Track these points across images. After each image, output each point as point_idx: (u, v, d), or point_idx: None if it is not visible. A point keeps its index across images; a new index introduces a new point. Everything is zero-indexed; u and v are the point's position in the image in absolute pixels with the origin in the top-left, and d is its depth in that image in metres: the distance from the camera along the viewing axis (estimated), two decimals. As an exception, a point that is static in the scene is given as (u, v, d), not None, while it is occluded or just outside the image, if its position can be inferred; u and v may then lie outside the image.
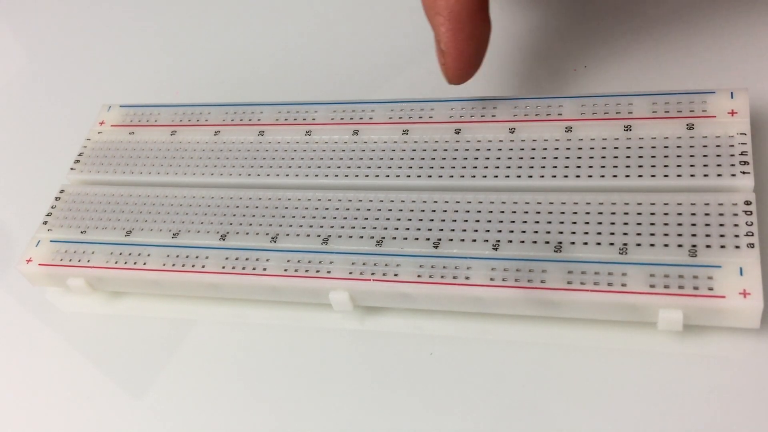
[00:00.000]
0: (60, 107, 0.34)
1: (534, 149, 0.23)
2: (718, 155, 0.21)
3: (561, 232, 0.21)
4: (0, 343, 0.27)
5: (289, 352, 0.24)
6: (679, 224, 0.20)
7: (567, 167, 0.22)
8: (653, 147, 0.22)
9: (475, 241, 0.22)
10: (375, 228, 0.23)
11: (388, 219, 0.23)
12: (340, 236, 0.23)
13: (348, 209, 0.24)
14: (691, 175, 0.21)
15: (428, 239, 0.22)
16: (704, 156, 0.21)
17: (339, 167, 0.25)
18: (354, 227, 0.23)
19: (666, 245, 0.20)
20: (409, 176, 0.24)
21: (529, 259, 0.21)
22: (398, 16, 0.32)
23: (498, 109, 0.24)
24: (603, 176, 0.22)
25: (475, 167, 0.23)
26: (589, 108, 0.23)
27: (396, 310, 0.23)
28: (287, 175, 0.25)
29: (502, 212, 0.22)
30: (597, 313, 0.21)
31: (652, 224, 0.21)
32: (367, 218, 0.23)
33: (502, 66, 0.28)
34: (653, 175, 0.22)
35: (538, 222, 0.22)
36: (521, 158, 0.23)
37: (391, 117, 0.25)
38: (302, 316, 0.24)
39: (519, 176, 0.23)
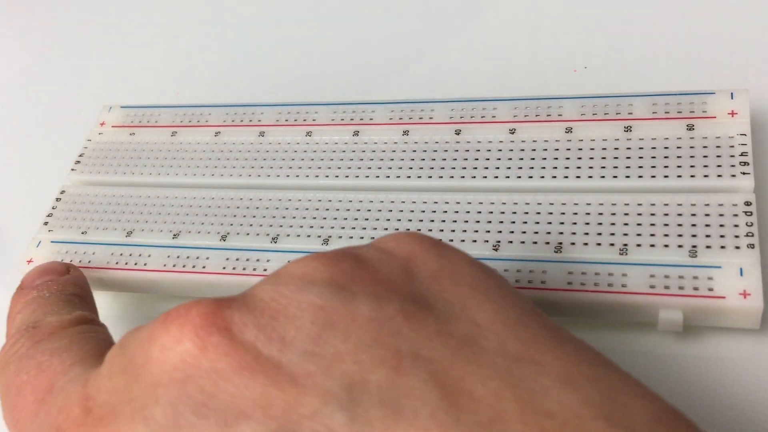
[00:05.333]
0: (61, 108, 0.34)
1: (534, 150, 0.23)
2: (718, 156, 0.21)
3: (561, 233, 0.21)
4: (0, 344, 0.27)
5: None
6: (679, 225, 0.20)
7: (567, 168, 0.22)
8: (653, 147, 0.22)
9: (475, 241, 0.22)
10: (375, 228, 0.23)
11: (389, 219, 0.23)
12: (340, 237, 0.23)
13: (348, 210, 0.24)
14: (691, 176, 0.21)
15: (428, 240, 0.22)
16: (704, 156, 0.21)
17: (339, 168, 0.25)
18: (354, 228, 0.23)
19: (666, 246, 0.20)
20: (409, 177, 0.24)
21: (529, 260, 0.21)
22: (398, 16, 0.32)
23: (498, 109, 0.24)
24: (603, 177, 0.22)
25: (475, 168, 0.23)
26: (589, 108, 0.23)
27: (396, 311, 0.23)
28: (288, 176, 0.25)
29: (502, 213, 0.22)
30: (597, 314, 0.21)
31: (652, 225, 0.21)
32: (367, 219, 0.23)
33: (502, 66, 0.28)
34: (653, 176, 0.22)
35: (538, 222, 0.22)
36: (521, 159, 0.23)
37: (392, 117, 0.25)
38: (303, 316, 0.24)
39: (519, 177, 0.23)
